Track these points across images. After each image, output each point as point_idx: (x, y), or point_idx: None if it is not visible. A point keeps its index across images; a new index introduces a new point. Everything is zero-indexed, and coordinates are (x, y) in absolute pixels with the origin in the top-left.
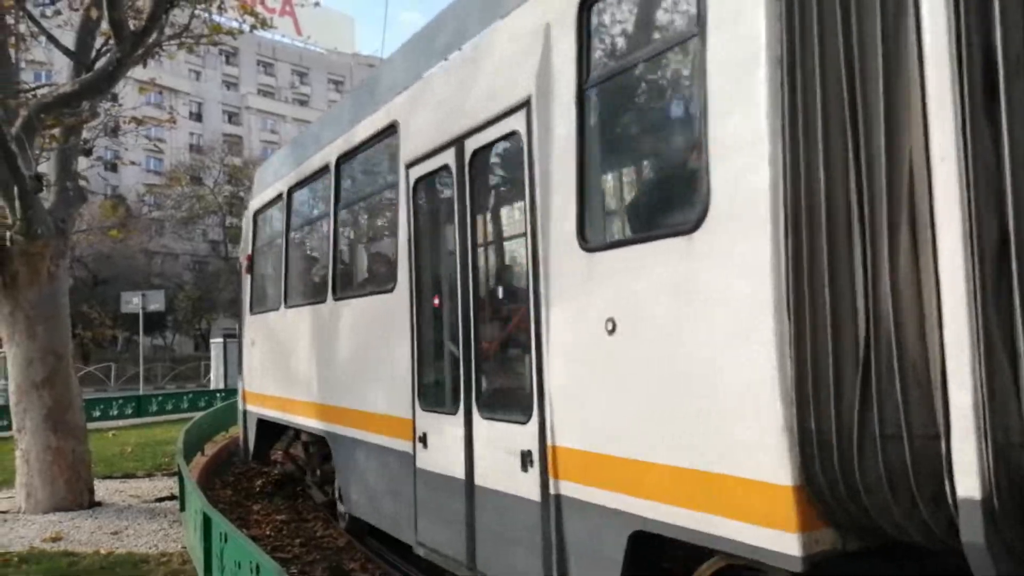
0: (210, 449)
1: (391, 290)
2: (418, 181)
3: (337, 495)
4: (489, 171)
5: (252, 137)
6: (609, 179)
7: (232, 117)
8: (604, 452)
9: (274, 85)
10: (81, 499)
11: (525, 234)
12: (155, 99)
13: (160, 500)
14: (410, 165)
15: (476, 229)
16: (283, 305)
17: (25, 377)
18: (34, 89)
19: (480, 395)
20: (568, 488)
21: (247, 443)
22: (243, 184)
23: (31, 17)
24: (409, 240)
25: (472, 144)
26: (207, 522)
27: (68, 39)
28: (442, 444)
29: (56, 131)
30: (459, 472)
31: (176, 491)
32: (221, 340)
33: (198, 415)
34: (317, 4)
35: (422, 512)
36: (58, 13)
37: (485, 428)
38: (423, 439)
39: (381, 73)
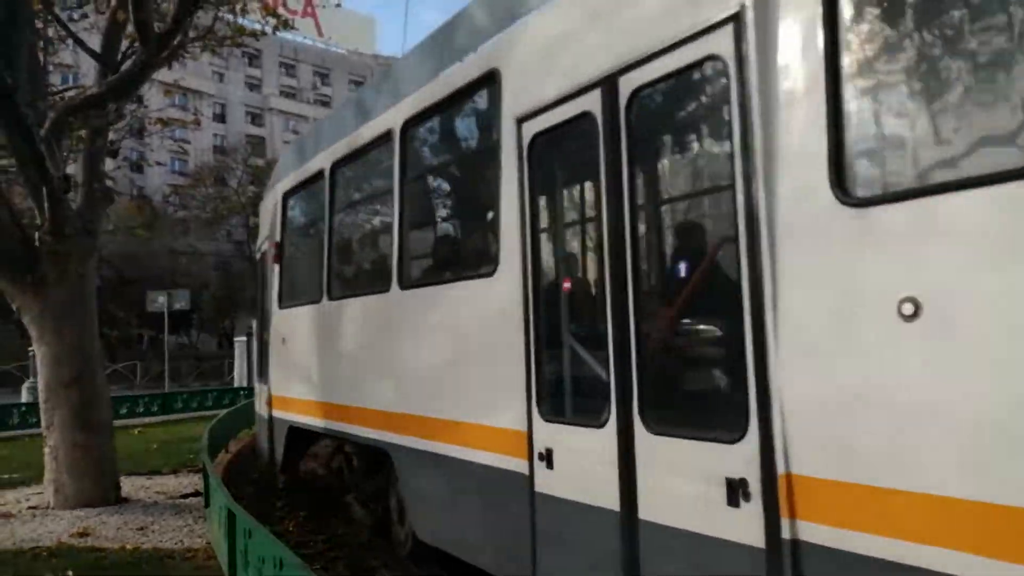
0: (234, 446)
1: (490, 274)
2: (537, 138)
3: (395, 516)
4: (661, 113)
5: (275, 138)
6: (887, 105)
7: (255, 118)
8: (899, 487)
9: (296, 86)
10: (108, 495)
11: (731, 188)
12: (179, 101)
13: (185, 496)
14: (523, 119)
15: (636, 189)
16: (326, 297)
17: (54, 375)
18: (62, 92)
19: (645, 402)
20: (818, 533)
21: (273, 454)
22: (266, 185)
23: (59, 20)
24: (521, 212)
25: (632, 82)
26: (231, 518)
27: (94, 42)
28: (579, 464)
29: (83, 133)
30: (610, 501)
31: (201, 488)
32: (244, 338)
33: (222, 412)
34: (339, 5)
35: (545, 547)
36: (85, 16)
37: (655, 445)
38: (546, 456)
39: (468, 14)
